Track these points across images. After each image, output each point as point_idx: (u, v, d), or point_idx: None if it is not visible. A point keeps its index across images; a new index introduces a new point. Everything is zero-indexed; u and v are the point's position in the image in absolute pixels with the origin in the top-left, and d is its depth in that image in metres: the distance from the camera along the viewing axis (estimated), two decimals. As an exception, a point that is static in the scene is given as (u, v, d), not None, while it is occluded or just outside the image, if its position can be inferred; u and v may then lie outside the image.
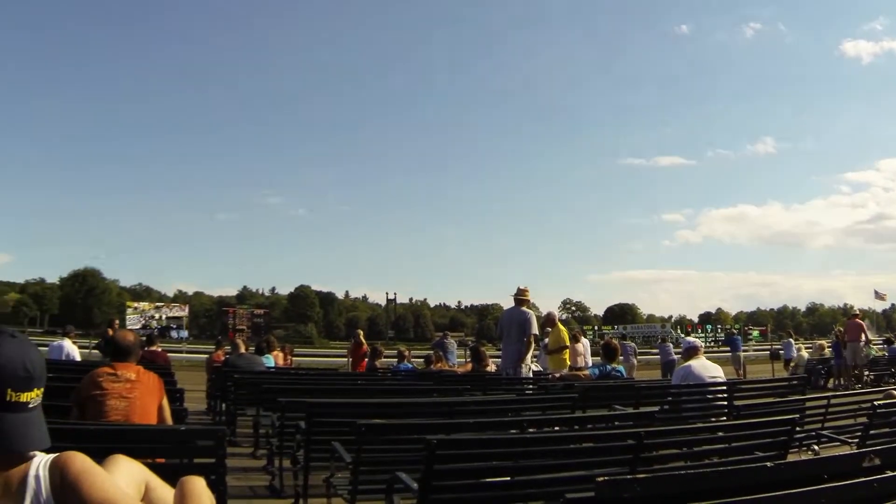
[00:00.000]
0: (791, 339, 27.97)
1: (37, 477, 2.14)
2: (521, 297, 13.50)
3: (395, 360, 18.18)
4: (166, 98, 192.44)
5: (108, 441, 4.48)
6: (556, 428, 7.28)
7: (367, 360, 18.82)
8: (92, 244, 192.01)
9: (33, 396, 2.17)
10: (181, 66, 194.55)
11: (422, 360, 19.59)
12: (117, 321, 21.20)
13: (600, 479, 3.14)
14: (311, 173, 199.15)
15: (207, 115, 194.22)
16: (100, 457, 2.33)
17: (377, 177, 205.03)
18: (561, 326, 16.71)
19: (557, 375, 14.20)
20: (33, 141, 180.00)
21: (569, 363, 16.04)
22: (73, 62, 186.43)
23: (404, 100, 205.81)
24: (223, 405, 12.68)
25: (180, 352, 38.10)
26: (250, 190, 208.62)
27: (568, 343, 16.24)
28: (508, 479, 5.02)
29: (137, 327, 56.34)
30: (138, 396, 5.82)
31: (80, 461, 2.17)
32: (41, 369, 2.22)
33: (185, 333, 62.29)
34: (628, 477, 3.43)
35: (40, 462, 2.18)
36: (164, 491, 2.39)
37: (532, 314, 13.36)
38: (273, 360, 15.75)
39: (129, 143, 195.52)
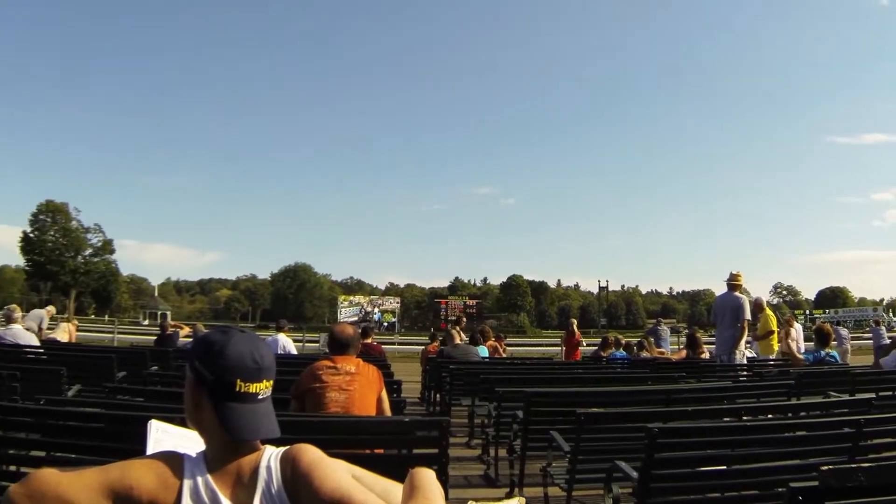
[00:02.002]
0: None
1: (268, 468, 2.22)
2: (733, 283, 13.20)
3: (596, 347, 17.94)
4: (388, 101, 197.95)
5: (330, 433, 4.63)
6: (770, 416, 7.11)
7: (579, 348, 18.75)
8: (303, 240, 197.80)
9: (263, 388, 2.30)
10: (404, 73, 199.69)
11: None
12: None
13: (824, 468, 3.06)
14: (520, 163, 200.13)
15: (420, 113, 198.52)
16: (321, 448, 2.35)
17: (587, 165, 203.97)
18: (769, 311, 16.31)
19: (772, 360, 13.89)
20: (250, 150, 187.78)
21: (776, 348, 15.68)
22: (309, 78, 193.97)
23: (610, 94, 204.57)
24: (437, 395, 12.84)
25: (393, 343, 38.66)
26: (460, 181, 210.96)
27: (775, 328, 15.88)
28: (724, 467, 4.95)
29: (354, 320, 57.40)
30: (358, 388, 5.93)
31: (311, 453, 2.23)
32: (270, 362, 2.34)
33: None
34: (853, 466, 3.32)
35: (272, 454, 2.27)
36: (369, 479, 2.38)
37: (745, 299, 13.06)
38: (486, 350, 15.82)
39: (340, 144, 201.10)
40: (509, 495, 7.14)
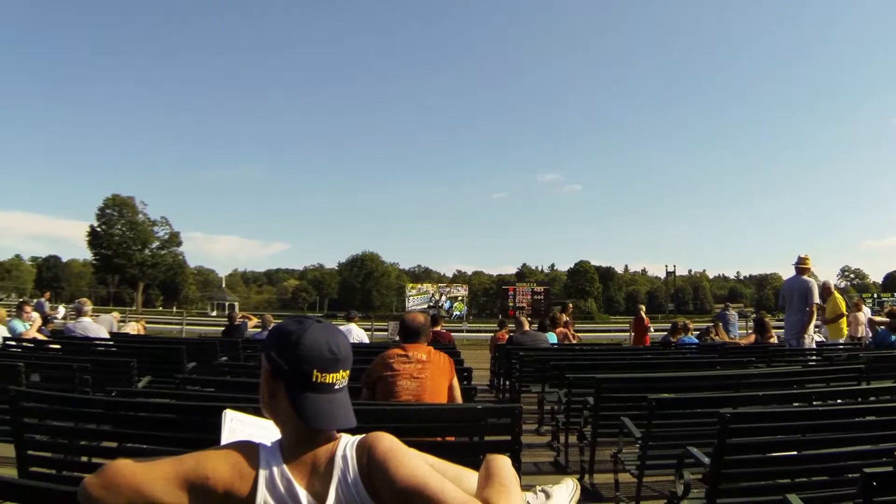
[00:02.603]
0: None
1: (344, 457, 2.24)
2: (801, 266, 13.11)
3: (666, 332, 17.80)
4: (455, 91, 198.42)
5: (402, 420, 4.65)
6: (840, 401, 7.06)
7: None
8: (370, 230, 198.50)
9: (339, 378, 2.32)
10: (470, 63, 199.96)
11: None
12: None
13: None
14: (586, 151, 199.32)
15: (487, 102, 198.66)
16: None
17: (653, 152, 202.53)
18: (837, 295, 16.14)
19: (842, 344, 13.78)
20: (315, 141, 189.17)
21: (846, 332, 15.54)
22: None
23: (677, 80, 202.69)
24: (506, 383, 12.86)
25: (461, 331, 38.66)
26: (525, 169, 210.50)
27: (844, 312, 15.74)
28: (795, 452, 4.94)
29: (425, 307, 57.44)
30: (429, 377, 5.94)
31: (387, 441, 2.25)
32: (347, 352, 2.36)
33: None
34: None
35: (347, 442, 2.30)
36: (441, 467, 2.38)
37: (813, 283, 12.98)
38: (555, 336, 15.92)
39: (406, 134, 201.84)
40: (580, 481, 7.19)
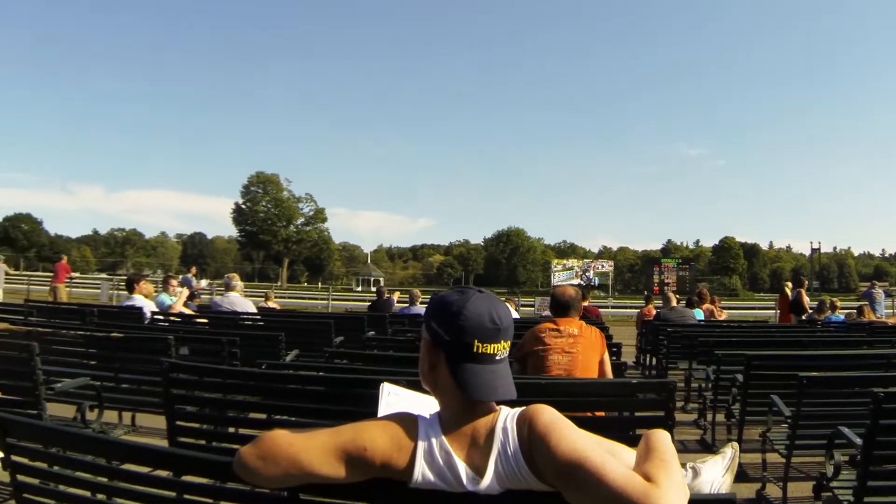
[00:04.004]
0: None
1: (504, 429, 2.19)
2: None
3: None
4: (600, 64, 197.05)
5: (554, 395, 4.57)
6: None
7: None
8: (515, 205, 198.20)
9: (500, 348, 2.28)
10: (615, 35, 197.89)
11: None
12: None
13: None
14: (730, 124, 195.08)
15: (632, 75, 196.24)
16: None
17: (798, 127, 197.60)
18: None
19: None
20: (459, 117, 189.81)
21: None
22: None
23: (824, 53, 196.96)
24: (652, 359, 12.87)
25: (606, 307, 38.39)
26: (670, 144, 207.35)
27: None
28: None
29: (575, 282, 57.28)
30: (581, 351, 5.91)
31: (548, 414, 2.18)
32: (509, 323, 2.31)
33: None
34: None
35: (507, 415, 2.25)
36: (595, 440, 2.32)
37: None
38: (702, 312, 15.74)
39: (551, 108, 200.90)
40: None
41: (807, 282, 22.09)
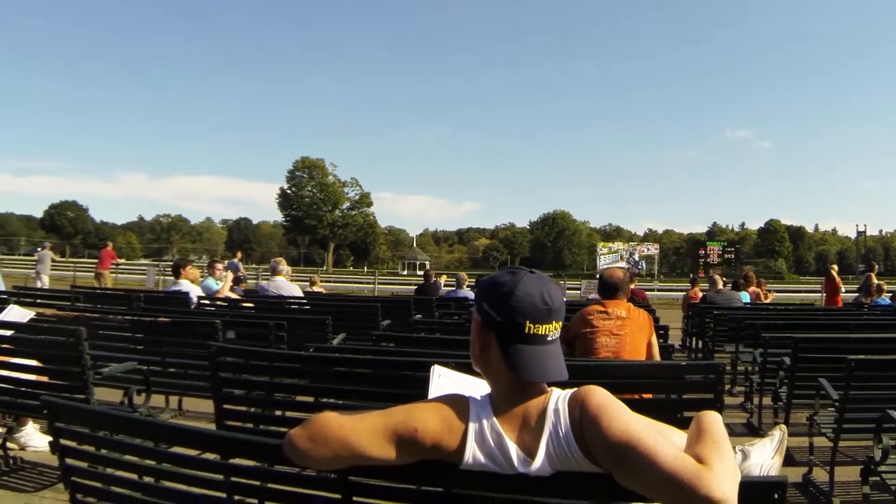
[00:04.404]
0: None
1: (556, 410, 2.19)
2: None
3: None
4: (644, 47, 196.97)
5: (602, 377, 4.48)
6: None
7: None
8: (561, 188, 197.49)
9: (552, 329, 2.28)
10: (660, 20, 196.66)
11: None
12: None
13: None
14: (777, 106, 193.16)
15: (678, 59, 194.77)
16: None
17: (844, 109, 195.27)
18: None
19: None
20: (503, 101, 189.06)
21: None
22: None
23: (871, 36, 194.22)
24: (699, 342, 12.78)
25: (652, 289, 38.19)
26: (716, 126, 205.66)
27: None
28: None
29: (622, 265, 57.01)
30: (629, 333, 5.93)
31: (600, 395, 2.17)
32: (560, 304, 2.31)
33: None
34: None
35: (559, 396, 2.25)
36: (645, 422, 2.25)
37: None
38: (748, 295, 15.65)
39: (596, 91, 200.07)
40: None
41: (876, 265, 21.84)
